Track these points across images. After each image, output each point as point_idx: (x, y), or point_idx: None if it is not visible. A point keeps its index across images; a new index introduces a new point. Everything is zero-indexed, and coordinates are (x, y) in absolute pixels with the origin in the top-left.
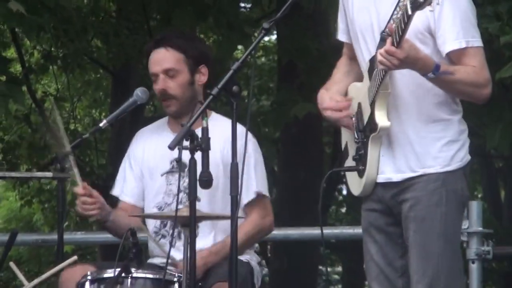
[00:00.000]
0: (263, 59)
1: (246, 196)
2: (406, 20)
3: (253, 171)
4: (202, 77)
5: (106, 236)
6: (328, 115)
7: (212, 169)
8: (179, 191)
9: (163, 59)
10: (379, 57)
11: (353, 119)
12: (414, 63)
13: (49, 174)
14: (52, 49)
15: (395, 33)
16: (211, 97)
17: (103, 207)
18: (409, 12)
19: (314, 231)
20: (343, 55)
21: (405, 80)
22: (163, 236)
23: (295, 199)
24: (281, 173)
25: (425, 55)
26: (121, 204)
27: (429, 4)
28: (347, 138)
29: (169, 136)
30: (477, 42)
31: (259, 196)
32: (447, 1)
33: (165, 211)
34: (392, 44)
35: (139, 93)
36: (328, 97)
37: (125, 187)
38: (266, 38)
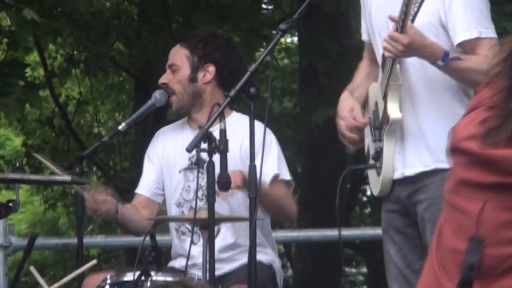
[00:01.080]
0: (285, 60)
1: (270, 176)
2: (407, 3)
3: (277, 160)
4: (207, 75)
5: (126, 240)
6: (341, 126)
7: (231, 167)
8: (197, 191)
9: (171, 55)
10: (384, 44)
11: (371, 118)
12: (420, 49)
13: (67, 178)
14: (75, 52)
15: (398, 18)
16: (228, 99)
17: (111, 203)
18: None
19: (336, 232)
20: (364, 58)
21: (419, 73)
22: (183, 233)
23: (319, 201)
24: (304, 174)
25: (432, 42)
26: (136, 197)
27: None
28: (368, 139)
29: (189, 134)
30: (490, 32)
31: (284, 181)
32: None
33: (184, 208)
34: (396, 30)
35: (158, 95)
36: (349, 108)
37: (142, 181)
38: (289, 40)
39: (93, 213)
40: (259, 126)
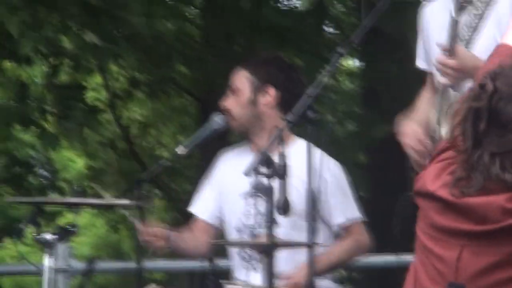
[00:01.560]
0: (348, 83)
1: (343, 219)
2: (452, 25)
3: (348, 195)
4: (267, 97)
5: (188, 264)
6: (410, 152)
7: (295, 195)
8: (257, 218)
9: (233, 77)
10: (437, 69)
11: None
12: (474, 72)
13: (126, 202)
14: (138, 75)
15: (447, 42)
16: (287, 124)
17: (164, 239)
18: (453, 16)
19: (398, 258)
20: (427, 85)
21: None
22: (244, 259)
23: (382, 225)
24: (369, 198)
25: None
26: (195, 221)
27: (470, 3)
28: None
29: (250, 157)
30: None
31: (355, 222)
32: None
33: (244, 234)
34: (446, 54)
35: (217, 119)
36: (411, 131)
37: (201, 204)
38: (351, 62)
39: (145, 246)
40: (320, 155)
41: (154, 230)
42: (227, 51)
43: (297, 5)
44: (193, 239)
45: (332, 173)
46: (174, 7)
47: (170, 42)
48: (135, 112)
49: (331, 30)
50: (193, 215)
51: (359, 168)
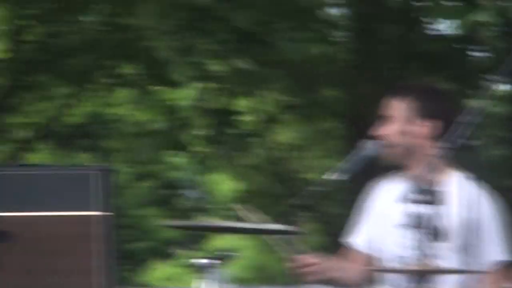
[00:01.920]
0: (498, 107)
1: (492, 258)
2: None
3: (499, 234)
4: (424, 129)
5: None
6: None
7: (451, 224)
8: (413, 248)
9: (389, 105)
10: None
11: None
12: None
13: (278, 227)
14: (288, 99)
15: None
16: (442, 152)
17: (317, 268)
18: None
19: None
20: None
21: None
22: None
23: None
24: None
25: None
26: (352, 252)
27: None
28: None
29: (404, 187)
30: None
31: (502, 265)
32: None
33: (400, 264)
34: None
35: (370, 146)
36: None
37: (357, 235)
38: (500, 87)
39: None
40: (476, 188)
41: (307, 259)
42: (376, 75)
43: (446, 30)
44: (348, 268)
45: (487, 209)
46: (323, 32)
47: (318, 66)
48: (284, 135)
49: (480, 54)
50: (348, 244)
51: (508, 192)
